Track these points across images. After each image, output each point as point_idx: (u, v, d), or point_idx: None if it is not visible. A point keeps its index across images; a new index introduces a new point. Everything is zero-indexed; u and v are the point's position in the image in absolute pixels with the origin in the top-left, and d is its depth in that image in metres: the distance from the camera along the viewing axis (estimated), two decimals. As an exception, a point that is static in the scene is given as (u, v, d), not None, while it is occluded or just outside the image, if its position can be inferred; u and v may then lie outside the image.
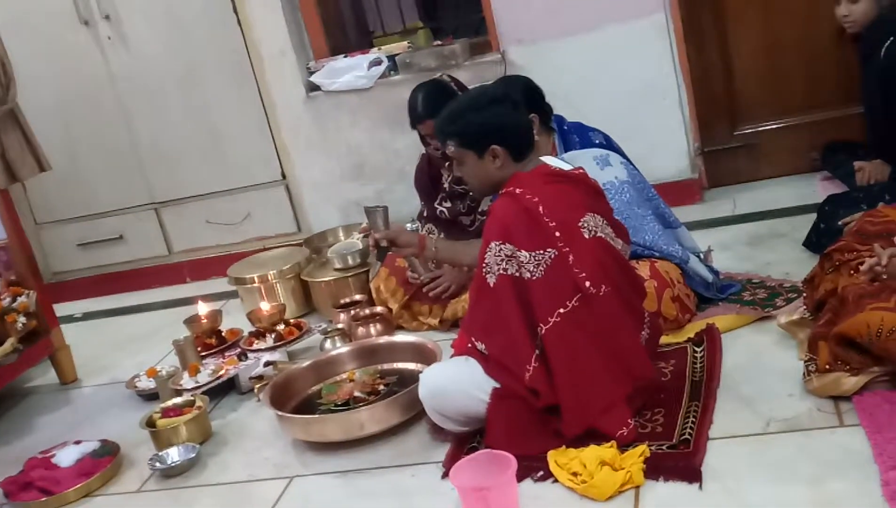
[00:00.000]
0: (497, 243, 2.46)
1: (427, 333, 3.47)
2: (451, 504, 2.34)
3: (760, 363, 2.69)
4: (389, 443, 2.72)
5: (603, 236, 2.51)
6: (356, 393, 2.92)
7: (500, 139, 2.52)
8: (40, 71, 4.72)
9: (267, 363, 3.32)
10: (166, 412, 3.04)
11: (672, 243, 3.13)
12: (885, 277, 2.40)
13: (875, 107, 3.54)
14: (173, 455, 2.89)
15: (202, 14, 4.52)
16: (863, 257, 2.54)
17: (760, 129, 4.34)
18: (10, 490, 2.87)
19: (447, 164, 3.46)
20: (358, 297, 3.69)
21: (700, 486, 2.19)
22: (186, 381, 3.28)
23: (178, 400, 3.13)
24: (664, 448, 2.34)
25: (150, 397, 3.42)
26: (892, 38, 3.35)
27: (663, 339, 2.82)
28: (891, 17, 3.44)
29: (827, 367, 2.38)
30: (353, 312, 3.55)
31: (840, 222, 3.15)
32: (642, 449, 2.31)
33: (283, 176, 4.74)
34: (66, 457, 2.96)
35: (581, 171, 2.62)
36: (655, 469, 2.26)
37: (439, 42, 4.58)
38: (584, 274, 2.41)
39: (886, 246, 2.45)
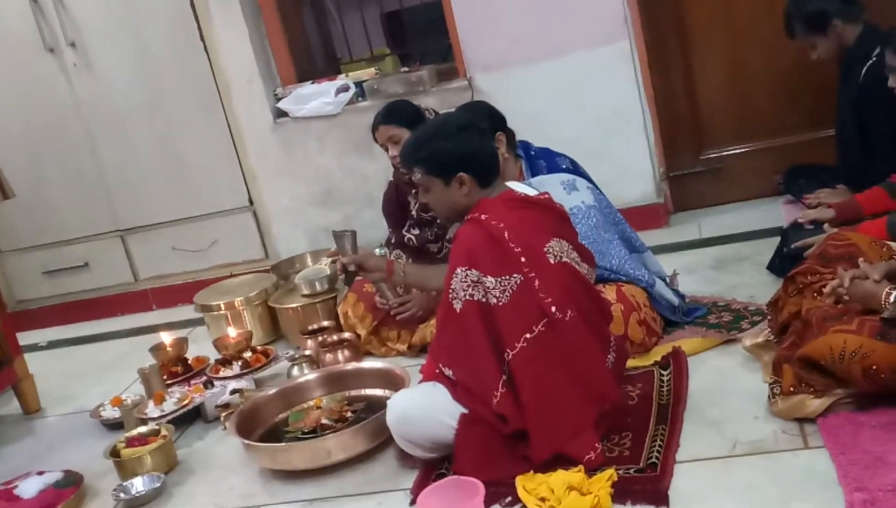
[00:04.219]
0: (463, 268, 2.47)
1: (395, 359, 3.46)
2: (418, 531, 2.32)
3: (726, 385, 2.71)
4: (357, 471, 2.70)
5: (568, 260, 2.52)
6: (323, 420, 2.90)
7: (466, 167, 2.53)
8: (5, 98, 4.70)
9: (233, 391, 3.29)
10: (131, 442, 3.00)
11: (638, 267, 3.15)
12: (847, 299, 2.43)
13: (847, 128, 3.56)
14: (138, 484, 2.85)
15: (169, 40, 4.51)
16: (826, 280, 2.57)
17: (725, 153, 4.39)
18: (-29, 523, 2.83)
19: (414, 191, 3.47)
20: (326, 323, 3.67)
21: (667, 509, 2.19)
22: (152, 410, 3.24)
23: (143, 429, 3.09)
24: (631, 471, 2.35)
25: (115, 426, 3.38)
26: (874, 58, 3.37)
27: (630, 362, 2.83)
28: (874, 36, 3.42)
29: (791, 389, 2.40)
30: (320, 338, 3.53)
31: (793, 246, 3.19)
32: (610, 473, 2.31)
33: (251, 202, 4.72)
34: (28, 488, 2.91)
35: (546, 196, 2.64)
36: (623, 493, 2.26)
37: (406, 68, 4.60)
38: (549, 299, 2.42)
39: (849, 269, 2.48)
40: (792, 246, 3.22)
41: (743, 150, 4.36)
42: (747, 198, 4.34)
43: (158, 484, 2.84)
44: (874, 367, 2.23)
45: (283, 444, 2.84)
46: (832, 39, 3.52)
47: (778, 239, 3.44)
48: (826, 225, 3.21)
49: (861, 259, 2.52)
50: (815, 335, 2.38)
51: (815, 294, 2.59)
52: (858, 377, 2.27)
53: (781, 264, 3.31)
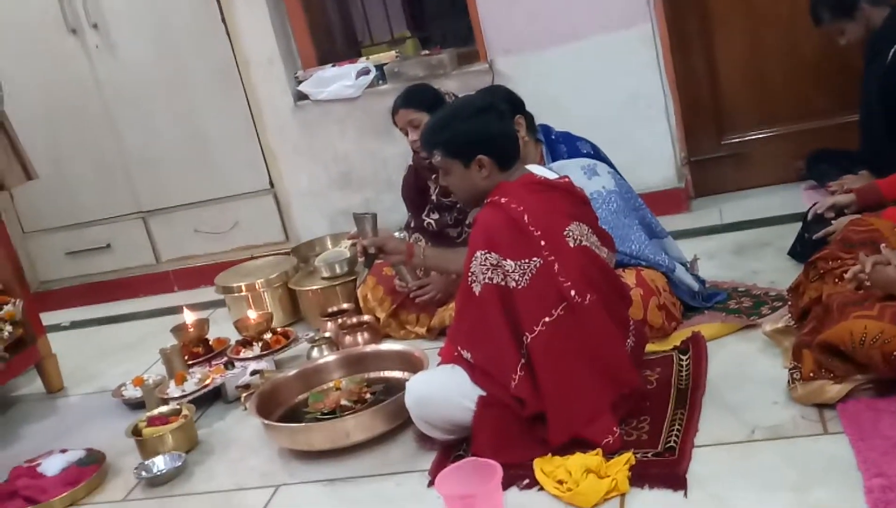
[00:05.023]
0: (482, 252, 2.47)
1: (414, 341, 3.47)
2: (436, 512, 2.34)
3: (745, 370, 2.70)
4: (375, 452, 2.72)
5: (588, 244, 2.52)
6: (343, 402, 2.92)
7: (486, 149, 2.53)
8: (27, 79, 4.71)
9: (254, 372, 3.32)
10: (152, 421, 3.03)
11: (658, 252, 3.14)
12: (868, 284, 2.42)
13: (872, 111, 3.53)
14: (159, 463, 2.89)
15: (190, 22, 4.52)
16: (847, 266, 2.56)
17: (747, 138, 4.36)
18: (-5, 500, 2.86)
19: (434, 176, 3.47)
20: (345, 306, 3.69)
21: (685, 494, 2.19)
22: (173, 390, 3.27)
23: (164, 409, 3.12)
24: (649, 455, 2.35)
25: (137, 405, 3.41)
26: None
27: (649, 347, 2.83)
28: None
29: (811, 375, 2.40)
30: (340, 320, 3.55)
31: (814, 237, 3.17)
32: (628, 457, 2.31)
33: (271, 185, 4.74)
34: (51, 466, 2.95)
35: (566, 179, 2.63)
36: (641, 476, 2.27)
37: (427, 52, 4.60)
38: (569, 283, 2.42)
39: (870, 254, 2.46)
40: (814, 237, 3.20)
41: (765, 135, 4.34)
42: (769, 183, 4.31)
43: (179, 463, 2.87)
44: (895, 353, 2.22)
45: (302, 425, 2.86)
46: (860, 23, 3.49)
47: (799, 225, 3.42)
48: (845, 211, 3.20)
49: (883, 245, 2.51)
50: (836, 321, 2.37)
51: (837, 280, 2.58)
52: (879, 362, 2.26)
53: (802, 249, 3.29)
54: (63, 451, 3.05)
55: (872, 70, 3.52)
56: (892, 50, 3.36)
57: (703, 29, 4.25)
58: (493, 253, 2.46)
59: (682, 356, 2.83)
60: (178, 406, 3.12)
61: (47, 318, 4.23)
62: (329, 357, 3.26)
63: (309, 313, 3.94)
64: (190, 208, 4.86)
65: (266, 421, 2.83)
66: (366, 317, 3.56)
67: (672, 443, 2.37)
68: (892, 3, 3.48)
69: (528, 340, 2.42)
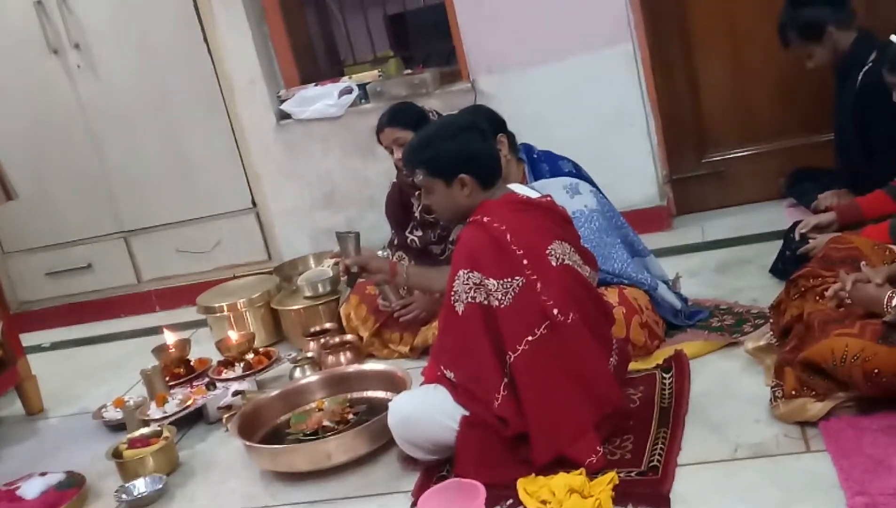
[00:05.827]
0: (465, 271, 2.47)
1: (397, 361, 3.46)
2: (419, 533, 2.33)
3: (728, 388, 2.71)
4: (358, 473, 2.70)
5: (570, 263, 2.52)
6: (325, 422, 2.90)
7: (468, 168, 2.53)
8: (9, 99, 4.71)
9: (236, 393, 3.30)
10: (133, 443, 3.01)
11: (641, 271, 3.15)
12: (849, 302, 2.43)
13: (846, 133, 3.57)
14: (140, 486, 2.86)
15: (172, 42, 4.52)
16: (828, 283, 2.57)
17: (728, 156, 4.38)
18: (-27, 524, 2.83)
19: (417, 193, 3.48)
20: (328, 325, 3.68)
21: (668, 513, 2.19)
22: (154, 411, 3.25)
23: (145, 431, 3.09)
24: (633, 474, 2.35)
25: (117, 427, 3.38)
26: (869, 64, 3.39)
27: (632, 365, 2.83)
28: (869, 41, 3.46)
29: (793, 393, 2.40)
30: (323, 340, 3.53)
31: (798, 252, 3.19)
32: (611, 476, 2.31)
33: (254, 204, 4.73)
34: (30, 489, 2.91)
35: (549, 198, 2.64)
36: (624, 496, 2.26)
37: (410, 71, 4.61)
38: (551, 302, 2.42)
39: (851, 272, 2.48)
40: (797, 252, 3.22)
41: (746, 153, 4.36)
42: (750, 201, 4.33)
43: (160, 486, 2.84)
44: (876, 370, 2.23)
45: (284, 446, 2.84)
46: (827, 47, 3.54)
47: (781, 242, 3.44)
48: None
49: (863, 263, 2.52)
50: (817, 339, 2.38)
51: (818, 297, 2.59)
52: (860, 380, 2.26)
53: (784, 267, 3.31)
54: (42, 474, 3.01)
55: (843, 94, 3.56)
56: (861, 74, 3.42)
57: (685, 48, 4.28)
58: (475, 272, 2.46)
59: (664, 375, 2.83)
60: (159, 428, 3.09)
61: (27, 339, 4.20)
62: (311, 378, 3.25)
63: (291, 333, 3.92)
64: (172, 227, 4.84)
65: (248, 443, 2.81)
66: (349, 336, 3.54)
67: (655, 462, 2.37)
68: (858, 27, 3.53)
69: (511, 359, 2.42)
